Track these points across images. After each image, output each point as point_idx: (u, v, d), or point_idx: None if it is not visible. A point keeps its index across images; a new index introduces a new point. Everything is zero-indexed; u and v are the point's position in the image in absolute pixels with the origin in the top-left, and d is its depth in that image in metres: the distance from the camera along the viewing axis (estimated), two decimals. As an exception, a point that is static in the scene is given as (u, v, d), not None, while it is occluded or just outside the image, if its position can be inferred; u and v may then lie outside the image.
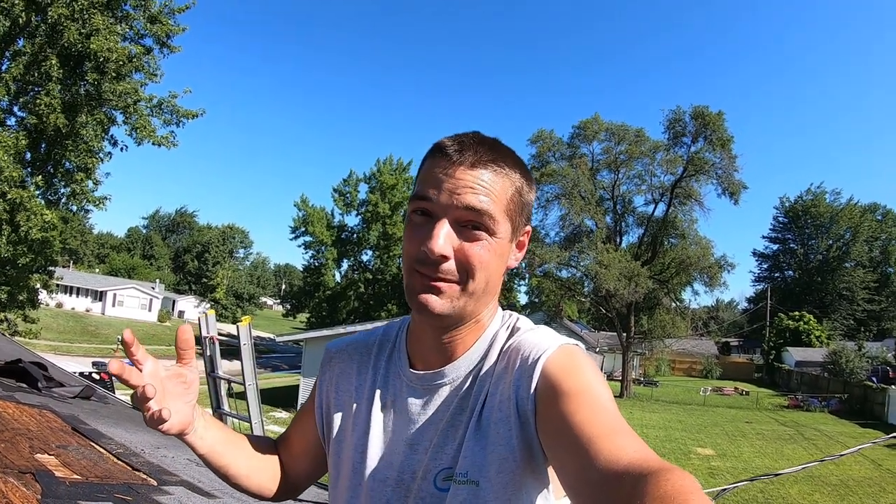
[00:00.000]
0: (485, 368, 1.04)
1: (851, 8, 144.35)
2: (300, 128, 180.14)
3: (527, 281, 42.77)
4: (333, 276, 61.55)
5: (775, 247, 77.10)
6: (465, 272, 0.96)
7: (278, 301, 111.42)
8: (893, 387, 31.88)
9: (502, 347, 1.05)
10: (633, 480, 0.66)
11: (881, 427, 25.78)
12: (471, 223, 0.96)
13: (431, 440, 1.02)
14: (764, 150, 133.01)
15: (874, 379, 36.77)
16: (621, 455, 0.72)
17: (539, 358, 0.95)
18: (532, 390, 0.93)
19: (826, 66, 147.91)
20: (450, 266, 0.95)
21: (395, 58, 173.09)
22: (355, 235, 60.27)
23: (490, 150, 0.98)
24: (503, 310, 1.16)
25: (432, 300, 0.96)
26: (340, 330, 26.28)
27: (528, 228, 1.09)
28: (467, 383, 1.05)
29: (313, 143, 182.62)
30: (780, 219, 75.56)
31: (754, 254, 78.97)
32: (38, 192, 13.13)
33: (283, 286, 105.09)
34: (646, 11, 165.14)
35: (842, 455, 3.43)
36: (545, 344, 0.98)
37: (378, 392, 1.13)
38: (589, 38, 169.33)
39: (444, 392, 1.06)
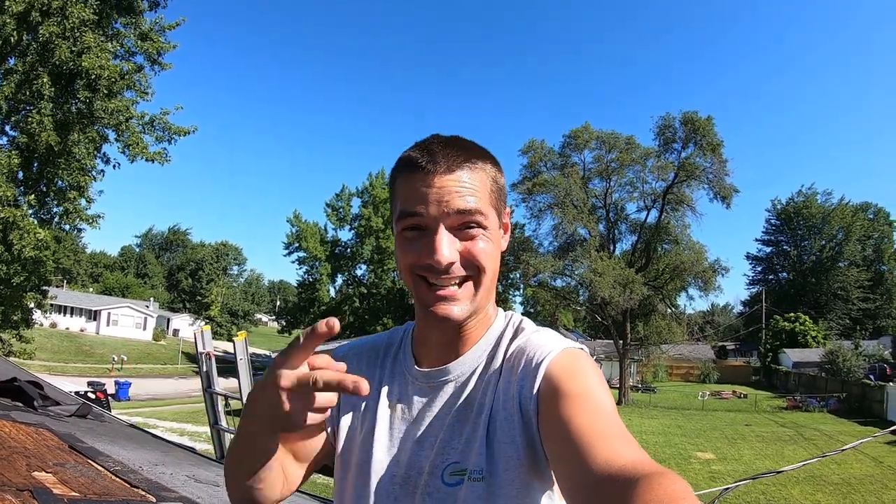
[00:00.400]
0: (492, 367, 1.05)
1: (844, 9, 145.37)
2: (292, 143, 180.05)
3: (522, 291, 42.87)
4: (328, 291, 61.50)
5: (769, 249, 77.31)
6: (476, 268, 0.99)
7: (273, 317, 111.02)
8: (891, 384, 31.98)
9: (508, 347, 1.07)
10: (626, 483, 0.67)
11: (880, 424, 25.74)
12: (464, 224, 0.98)
13: (437, 436, 1.03)
14: (754, 154, 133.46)
15: (872, 377, 36.79)
16: (616, 459, 0.73)
17: (543, 360, 0.97)
18: (535, 391, 0.95)
19: (810, 68, 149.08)
20: (458, 267, 0.97)
21: (386, 74, 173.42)
22: (349, 250, 60.22)
23: (459, 150, 1.00)
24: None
25: (452, 309, 0.99)
26: (336, 345, 26.17)
27: (508, 209, 1.11)
28: (473, 379, 1.06)
29: (305, 158, 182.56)
30: (773, 221, 75.80)
31: (748, 257, 79.14)
32: (30, 211, 13.08)
33: (278, 302, 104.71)
34: (637, 16, 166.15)
35: (844, 449, 3.44)
36: (550, 346, 1.00)
37: (384, 391, 1.14)
38: (580, 47, 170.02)
39: (449, 388, 1.07)
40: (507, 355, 1.05)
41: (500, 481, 0.95)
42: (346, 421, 1.16)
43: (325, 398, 0.84)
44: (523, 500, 0.95)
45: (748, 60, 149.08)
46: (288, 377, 0.81)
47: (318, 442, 1.18)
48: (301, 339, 0.82)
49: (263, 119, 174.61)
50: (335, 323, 0.82)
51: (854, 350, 40.82)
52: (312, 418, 0.85)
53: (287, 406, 0.82)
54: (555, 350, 0.98)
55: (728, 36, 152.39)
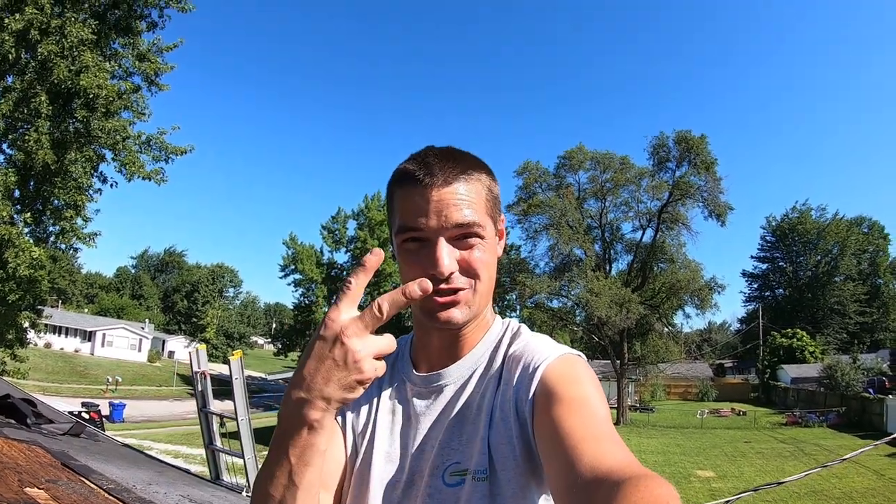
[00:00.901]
0: (491, 370, 1.08)
1: (834, 27, 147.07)
2: (288, 166, 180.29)
3: (518, 312, 42.79)
4: (324, 313, 60.93)
5: (764, 266, 77.59)
6: (473, 277, 1.02)
7: (269, 340, 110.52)
8: (890, 396, 32.04)
9: (507, 351, 1.10)
10: (612, 485, 0.67)
11: (881, 437, 25.58)
12: (462, 235, 1.01)
13: (437, 438, 1.06)
14: (748, 172, 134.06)
15: (871, 390, 36.76)
16: (604, 460, 0.75)
17: (540, 365, 0.99)
18: (531, 395, 0.97)
19: (804, 87, 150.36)
20: (458, 276, 1.00)
21: (383, 98, 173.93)
22: (345, 272, 59.98)
23: (455, 162, 1.03)
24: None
25: (453, 314, 1.01)
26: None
27: (503, 217, 1.14)
28: (472, 382, 1.09)
29: (302, 180, 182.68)
30: (768, 238, 76.14)
31: (744, 274, 79.27)
32: (26, 230, 13.06)
33: (274, 325, 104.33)
34: (631, 38, 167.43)
35: (845, 459, 3.42)
36: (547, 351, 1.02)
37: (384, 398, 1.16)
38: (574, 68, 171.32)
39: (448, 391, 1.10)
40: (506, 359, 1.08)
41: (499, 480, 0.96)
42: (350, 435, 1.16)
43: (386, 342, 0.84)
44: (521, 501, 0.96)
45: (743, 80, 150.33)
46: (368, 315, 0.81)
47: (341, 457, 1.14)
48: (353, 283, 0.82)
49: (261, 142, 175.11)
50: (380, 251, 0.84)
51: (852, 364, 40.68)
52: (378, 368, 0.83)
53: (361, 353, 0.80)
54: (552, 355, 1.00)
55: (722, 56, 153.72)
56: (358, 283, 0.83)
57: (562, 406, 0.88)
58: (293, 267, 58.68)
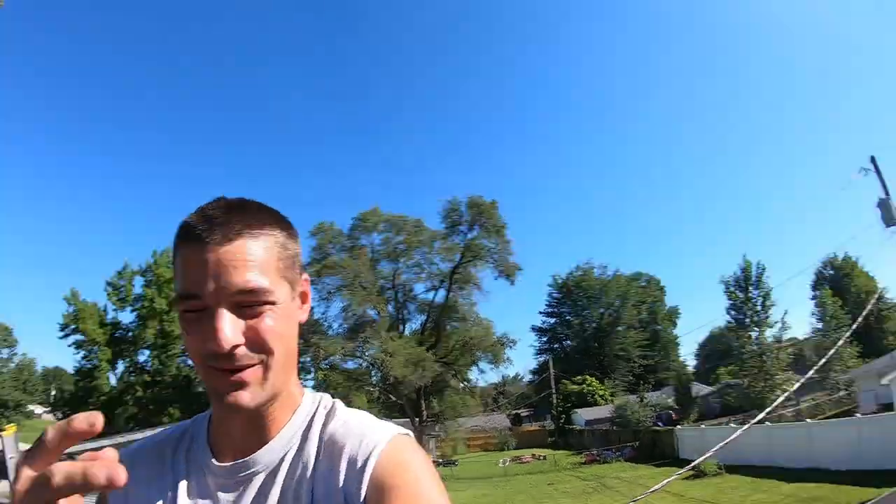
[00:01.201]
0: (305, 451, 0.95)
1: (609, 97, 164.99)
2: (71, 212, 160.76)
3: (313, 375, 42.07)
4: (108, 378, 56.06)
5: (552, 320, 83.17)
6: (263, 350, 0.87)
7: (48, 409, 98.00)
8: (679, 427, 35.35)
9: (322, 431, 0.97)
10: None
11: (675, 463, 27.37)
12: (248, 303, 0.86)
13: None
14: (539, 234, 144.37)
15: (660, 423, 40.34)
16: None
17: (368, 458, 0.89)
18: (363, 491, 0.87)
19: (588, 158, 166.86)
20: (244, 351, 0.85)
21: (179, 147, 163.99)
22: (130, 333, 55.82)
23: (239, 216, 0.88)
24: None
25: (241, 396, 0.86)
26: (121, 439, 23.24)
27: (306, 277, 1.01)
28: (284, 467, 0.95)
29: (85, 228, 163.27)
30: (555, 294, 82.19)
31: (534, 329, 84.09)
32: None
33: (54, 392, 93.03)
34: (421, 105, 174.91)
35: (653, 490, 3.54)
36: (373, 437, 0.92)
37: (181, 492, 0.96)
38: (365, 131, 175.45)
39: (258, 480, 0.95)
40: (323, 440, 0.95)
41: None
42: None
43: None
44: None
45: (535, 153, 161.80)
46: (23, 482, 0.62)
47: None
48: (49, 436, 0.63)
49: (39, 181, 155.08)
50: (98, 419, 0.62)
51: (640, 402, 44.25)
52: None
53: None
54: (379, 444, 0.90)
55: (517, 132, 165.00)
56: (54, 443, 0.62)
57: (395, 497, 0.82)
58: (74, 326, 53.37)
